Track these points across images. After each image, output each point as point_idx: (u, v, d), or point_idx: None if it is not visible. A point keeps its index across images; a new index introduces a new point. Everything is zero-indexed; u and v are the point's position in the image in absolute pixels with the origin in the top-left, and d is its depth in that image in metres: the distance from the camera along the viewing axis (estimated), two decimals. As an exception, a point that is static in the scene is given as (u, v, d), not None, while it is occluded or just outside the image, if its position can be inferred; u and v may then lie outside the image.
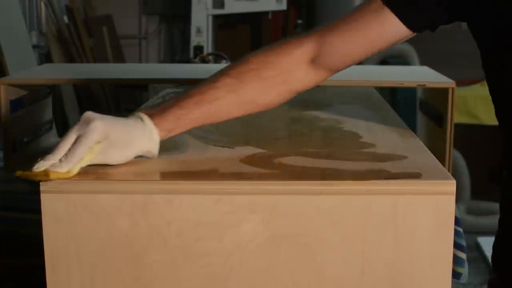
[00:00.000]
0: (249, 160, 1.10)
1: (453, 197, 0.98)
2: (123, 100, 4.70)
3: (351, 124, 1.38)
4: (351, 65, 1.15)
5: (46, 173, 0.97)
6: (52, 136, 2.22)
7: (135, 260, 0.99)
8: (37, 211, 0.98)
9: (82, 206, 0.98)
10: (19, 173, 0.99)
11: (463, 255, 1.19)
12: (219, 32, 4.88)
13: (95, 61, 4.61)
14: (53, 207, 0.98)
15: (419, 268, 0.98)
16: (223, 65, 2.81)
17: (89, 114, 1.02)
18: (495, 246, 1.19)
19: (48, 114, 2.19)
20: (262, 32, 4.90)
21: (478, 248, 3.45)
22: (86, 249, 0.98)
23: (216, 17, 4.77)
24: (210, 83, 1.10)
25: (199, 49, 4.57)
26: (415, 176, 1.01)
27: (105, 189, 0.98)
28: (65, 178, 0.98)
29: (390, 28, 1.10)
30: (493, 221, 1.25)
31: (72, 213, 0.98)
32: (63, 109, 4.29)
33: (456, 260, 1.18)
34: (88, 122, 1.01)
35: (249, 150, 1.16)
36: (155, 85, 2.37)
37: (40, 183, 0.97)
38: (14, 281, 2.14)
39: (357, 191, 0.97)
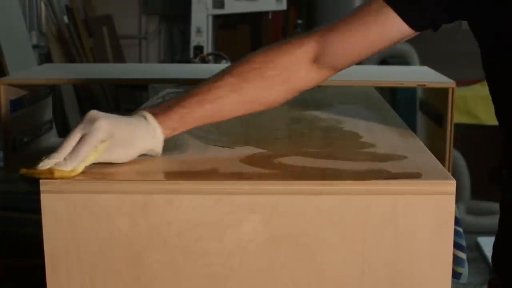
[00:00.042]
0: (249, 160, 1.10)
1: (453, 197, 0.98)
2: (123, 100, 4.70)
3: (351, 124, 1.38)
4: (353, 64, 1.16)
5: (50, 171, 0.98)
6: (52, 136, 2.22)
7: (135, 260, 0.99)
8: (37, 211, 0.98)
9: (82, 206, 0.98)
10: (23, 171, 0.99)
11: (463, 255, 1.19)
12: (219, 32, 4.89)
13: (95, 61, 4.61)
14: (53, 207, 0.98)
15: (419, 268, 0.98)
16: (223, 65, 2.81)
17: (93, 113, 1.03)
18: (495, 246, 1.19)
19: (48, 114, 2.19)
20: (262, 32, 4.90)
21: (478, 248, 3.45)
22: (86, 249, 0.98)
23: (216, 17, 4.78)
24: (212, 83, 1.11)
25: (199, 49, 4.57)
26: (415, 176, 1.01)
27: (105, 189, 0.98)
28: (70, 177, 0.98)
29: (392, 27, 1.10)
30: (493, 221, 1.25)
31: (72, 213, 0.98)
32: (63, 109, 4.30)
33: (456, 260, 1.18)
34: (92, 121, 1.01)
35: (249, 150, 1.16)
36: (155, 85, 2.37)
37: (40, 183, 0.98)
38: (14, 281, 2.14)
39: (357, 191, 0.97)
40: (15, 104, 1.91)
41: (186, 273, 0.99)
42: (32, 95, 2.01)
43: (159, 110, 1.08)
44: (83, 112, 4.38)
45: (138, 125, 1.05)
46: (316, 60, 1.13)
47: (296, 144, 1.24)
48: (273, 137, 1.29)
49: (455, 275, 1.18)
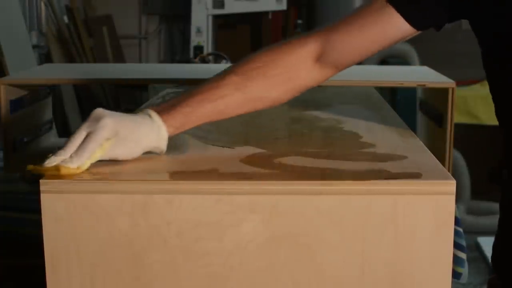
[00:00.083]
0: (249, 160, 1.10)
1: (453, 197, 0.98)
2: (123, 100, 4.70)
3: (351, 124, 1.38)
4: (355, 63, 1.16)
5: (57, 168, 0.98)
6: (52, 136, 2.22)
7: (135, 260, 0.99)
8: (37, 211, 0.99)
9: (82, 206, 0.98)
10: (30, 167, 1.00)
11: (463, 255, 1.19)
12: (219, 32, 4.89)
13: (95, 61, 4.62)
14: (53, 207, 0.98)
15: (419, 268, 0.98)
16: (223, 65, 2.81)
17: (99, 111, 1.04)
18: (495, 246, 1.19)
19: (48, 114, 2.19)
20: (262, 32, 4.90)
21: (478, 248, 3.45)
22: (86, 249, 0.98)
23: (216, 17, 4.78)
24: (216, 82, 1.12)
25: (199, 49, 4.57)
26: (415, 176, 1.01)
27: (105, 189, 0.98)
28: (75, 174, 0.99)
29: (394, 27, 1.10)
30: (493, 221, 1.25)
31: (72, 213, 0.98)
32: (63, 109, 4.30)
33: (456, 260, 1.18)
34: (98, 119, 1.02)
35: (249, 150, 1.16)
36: (155, 85, 2.37)
37: (40, 183, 0.98)
38: (14, 281, 2.14)
39: (357, 191, 0.97)
40: (15, 104, 1.91)
41: (186, 273, 0.99)
42: (32, 95, 2.01)
43: (164, 109, 1.09)
44: (83, 112, 4.38)
45: (143, 123, 1.06)
46: (319, 59, 1.13)
47: (296, 144, 1.24)
48: (273, 137, 1.29)
49: (455, 275, 1.18)
